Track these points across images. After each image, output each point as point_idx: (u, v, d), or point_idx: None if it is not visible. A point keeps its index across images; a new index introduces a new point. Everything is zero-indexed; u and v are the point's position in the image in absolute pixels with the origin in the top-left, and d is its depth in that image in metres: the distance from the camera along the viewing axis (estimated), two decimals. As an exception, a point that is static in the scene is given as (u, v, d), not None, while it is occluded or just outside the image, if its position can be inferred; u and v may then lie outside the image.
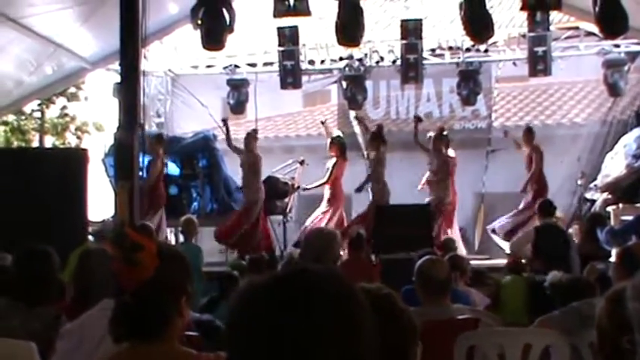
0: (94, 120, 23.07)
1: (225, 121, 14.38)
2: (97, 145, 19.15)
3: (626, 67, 16.13)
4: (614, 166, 14.55)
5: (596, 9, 11.65)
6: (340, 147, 14.18)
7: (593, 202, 14.60)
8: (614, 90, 16.13)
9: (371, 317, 1.52)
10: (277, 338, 1.44)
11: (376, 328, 1.53)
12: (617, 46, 16.06)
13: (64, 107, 22.53)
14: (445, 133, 14.42)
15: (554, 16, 16.32)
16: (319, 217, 13.93)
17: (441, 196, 13.67)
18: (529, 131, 14.33)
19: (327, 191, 14.12)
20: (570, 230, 12.39)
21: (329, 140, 14.42)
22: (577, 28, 16.60)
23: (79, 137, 22.96)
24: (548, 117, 19.90)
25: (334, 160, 14.07)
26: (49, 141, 22.41)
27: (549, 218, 10.29)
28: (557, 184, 16.11)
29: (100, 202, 13.47)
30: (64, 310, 4.36)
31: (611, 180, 14.37)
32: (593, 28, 13.50)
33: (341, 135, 14.76)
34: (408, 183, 14.28)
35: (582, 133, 17.85)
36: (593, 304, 3.32)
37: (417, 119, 14.65)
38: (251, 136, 14.04)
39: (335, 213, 13.97)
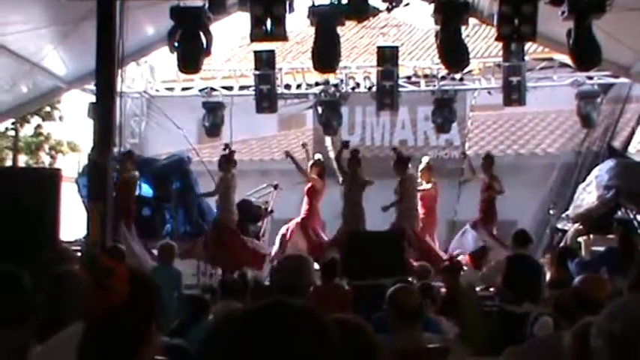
0: (68, 140, 22.97)
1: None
2: (71, 164, 19.09)
3: (598, 99, 16.33)
4: (586, 196, 14.63)
5: (570, 41, 11.76)
6: (322, 169, 14.29)
7: (564, 232, 14.67)
8: (586, 121, 16.32)
9: (342, 352, 1.53)
10: None
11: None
12: (591, 78, 16.26)
13: (39, 126, 22.41)
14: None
15: (529, 46, 16.51)
16: (292, 228, 14.01)
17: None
18: (488, 158, 14.51)
19: (305, 207, 14.18)
20: (542, 260, 12.45)
21: (310, 162, 14.47)
22: (551, 59, 16.78)
23: (52, 157, 22.83)
24: (522, 146, 20.06)
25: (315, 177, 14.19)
26: (23, 160, 22.27)
27: (522, 248, 10.32)
28: (529, 214, 16.22)
29: (73, 222, 13.37)
30: (33, 333, 4.32)
31: (583, 211, 14.44)
32: (567, 59, 13.63)
33: (322, 159, 14.82)
34: (381, 209, 14.30)
35: (555, 163, 17.98)
36: (561, 337, 3.33)
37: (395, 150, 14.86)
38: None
39: (310, 231, 13.99)
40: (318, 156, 14.97)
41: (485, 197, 14.18)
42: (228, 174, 13.62)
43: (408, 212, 13.81)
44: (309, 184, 14.27)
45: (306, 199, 14.29)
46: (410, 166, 14.20)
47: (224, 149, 13.91)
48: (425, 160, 15.08)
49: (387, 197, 13.93)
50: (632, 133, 17.43)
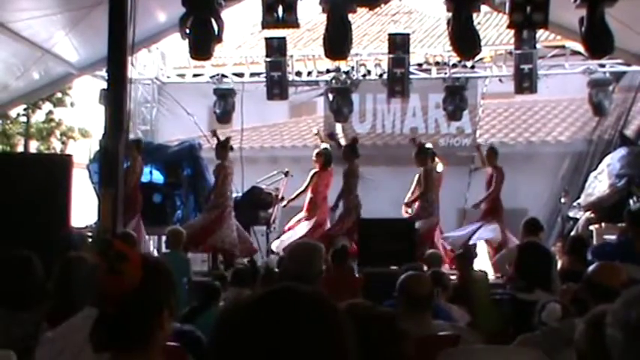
0: (79, 126, 23.01)
1: (214, 132, 14.21)
2: (83, 151, 19.13)
3: (610, 87, 16.24)
4: (598, 185, 14.61)
5: (583, 29, 11.69)
6: (325, 159, 14.12)
7: (575, 220, 14.64)
8: (598, 109, 16.25)
9: (353, 339, 1.53)
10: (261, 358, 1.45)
11: (367, 350, 1.54)
12: (603, 65, 16.17)
13: (50, 112, 22.44)
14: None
15: (541, 34, 16.43)
16: (299, 225, 13.88)
17: None
18: (492, 151, 14.34)
19: (307, 200, 14.08)
20: (553, 248, 12.42)
21: (315, 152, 14.38)
22: (563, 46, 16.70)
23: (64, 143, 22.86)
24: (533, 134, 19.99)
25: (315, 170, 14.04)
26: (34, 146, 22.32)
27: (533, 236, 10.29)
28: (540, 202, 16.17)
29: (84, 208, 13.40)
30: (44, 317, 4.34)
31: (595, 199, 14.42)
32: (579, 47, 13.57)
33: (328, 147, 14.70)
34: (392, 197, 14.28)
35: (566, 151, 17.95)
36: (574, 325, 3.33)
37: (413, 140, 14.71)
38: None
39: (316, 223, 13.89)
40: (323, 145, 14.84)
41: (492, 191, 14.03)
42: (224, 161, 13.49)
43: (432, 203, 13.70)
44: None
45: (309, 194, 14.14)
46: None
47: (212, 135, 13.81)
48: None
49: (398, 185, 13.92)
50: (644, 121, 17.37)
